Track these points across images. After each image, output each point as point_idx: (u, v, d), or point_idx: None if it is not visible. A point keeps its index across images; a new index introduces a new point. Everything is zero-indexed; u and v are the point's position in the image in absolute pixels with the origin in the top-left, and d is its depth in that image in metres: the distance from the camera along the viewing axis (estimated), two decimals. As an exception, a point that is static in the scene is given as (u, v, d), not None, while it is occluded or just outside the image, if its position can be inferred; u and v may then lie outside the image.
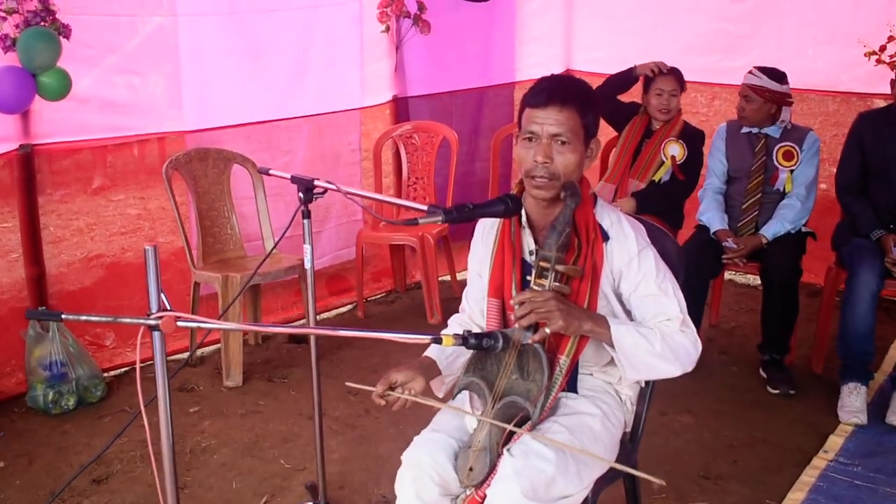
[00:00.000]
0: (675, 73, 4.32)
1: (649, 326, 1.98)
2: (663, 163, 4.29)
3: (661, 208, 4.22)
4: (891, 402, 3.61)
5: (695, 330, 2.00)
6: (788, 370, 3.97)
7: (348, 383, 2.00)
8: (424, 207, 1.97)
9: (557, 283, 1.92)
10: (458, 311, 2.32)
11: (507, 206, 1.98)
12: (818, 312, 4.13)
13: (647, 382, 2.23)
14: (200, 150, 4.15)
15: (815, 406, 3.74)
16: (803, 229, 4.04)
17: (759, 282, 4.07)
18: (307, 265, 2.53)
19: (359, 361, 4.20)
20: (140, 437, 3.33)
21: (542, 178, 1.95)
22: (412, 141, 5.03)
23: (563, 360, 1.98)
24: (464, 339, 1.85)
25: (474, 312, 2.23)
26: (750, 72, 4.07)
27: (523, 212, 2.06)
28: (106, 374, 3.95)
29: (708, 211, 4.12)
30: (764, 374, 4.00)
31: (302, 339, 4.40)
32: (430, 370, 2.07)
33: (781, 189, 4.03)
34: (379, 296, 5.17)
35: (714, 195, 4.17)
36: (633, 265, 2.00)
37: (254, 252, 4.32)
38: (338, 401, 3.74)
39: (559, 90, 1.95)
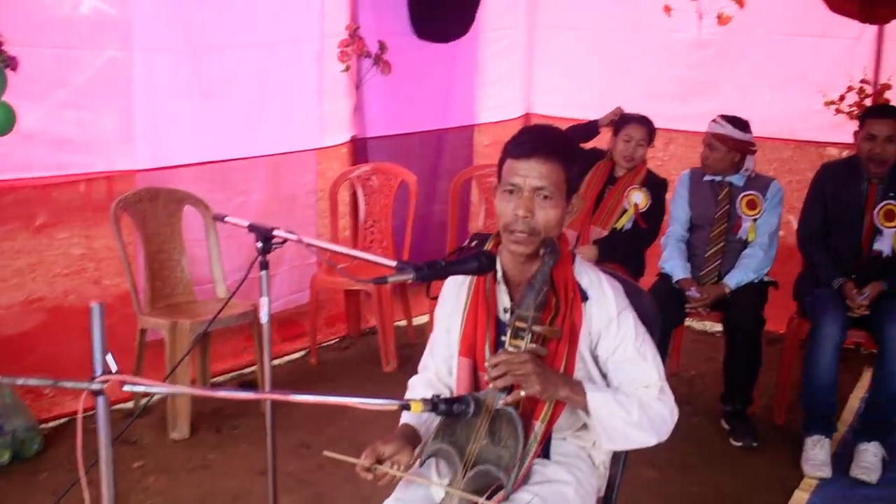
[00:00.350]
0: (646, 124, 4.32)
1: (626, 393, 1.94)
2: (626, 210, 4.28)
3: (622, 256, 4.20)
4: (854, 455, 3.59)
5: (672, 397, 1.97)
6: (752, 421, 3.94)
7: (327, 453, 1.89)
8: (393, 263, 1.92)
9: (534, 345, 1.86)
10: (418, 364, 2.24)
11: (481, 264, 1.91)
12: (779, 362, 4.11)
13: (621, 447, 2.15)
14: (151, 190, 4.01)
15: (778, 459, 3.70)
16: (765, 278, 4.04)
17: (718, 328, 4.06)
18: (263, 320, 2.42)
19: (312, 412, 4.05)
20: (79, 495, 3.12)
21: (521, 232, 1.90)
22: (370, 183, 4.97)
23: (538, 426, 1.91)
24: (433, 406, 1.78)
25: (441, 371, 2.14)
26: (714, 120, 4.07)
27: (498, 267, 2.00)
28: (44, 426, 3.75)
29: (671, 259, 4.11)
30: (727, 426, 3.96)
31: (252, 384, 4.23)
32: (413, 439, 1.98)
33: (744, 238, 4.03)
34: (332, 341, 5.08)
35: (677, 243, 4.15)
36: (612, 327, 1.95)
37: (203, 296, 4.17)
38: (290, 455, 3.59)
39: (543, 142, 1.90)
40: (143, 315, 3.86)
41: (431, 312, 4.72)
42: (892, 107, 3.91)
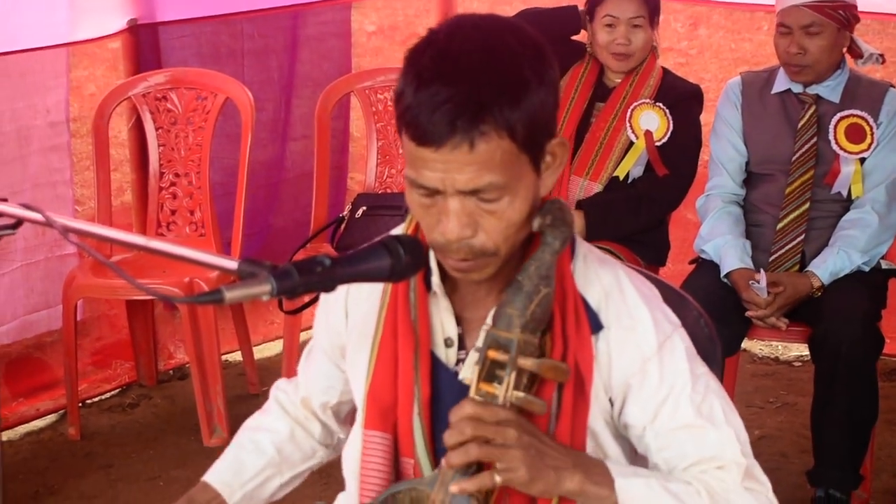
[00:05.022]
0: None
1: (685, 480, 1.99)
2: (632, 144, 4.30)
3: (628, 228, 4.26)
4: None
5: (769, 486, 2.02)
6: (859, 516, 4.03)
7: None
8: (230, 263, 1.82)
9: (522, 394, 1.89)
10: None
11: (399, 262, 1.87)
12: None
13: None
14: None
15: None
16: (883, 264, 4.09)
17: (800, 353, 4.06)
18: None
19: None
20: None
21: (463, 260, 1.95)
22: (167, 105, 4.96)
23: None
24: None
25: (313, 396, 2.34)
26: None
27: (433, 266, 2.04)
28: None
29: (716, 234, 4.15)
30: (818, 524, 4.03)
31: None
32: None
33: (845, 193, 4.08)
34: (108, 395, 5.09)
35: (725, 206, 4.21)
36: (649, 373, 2.01)
37: None
38: None
39: (466, 103, 1.85)
40: None
41: (289, 334, 4.76)
42: None
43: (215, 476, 2.26)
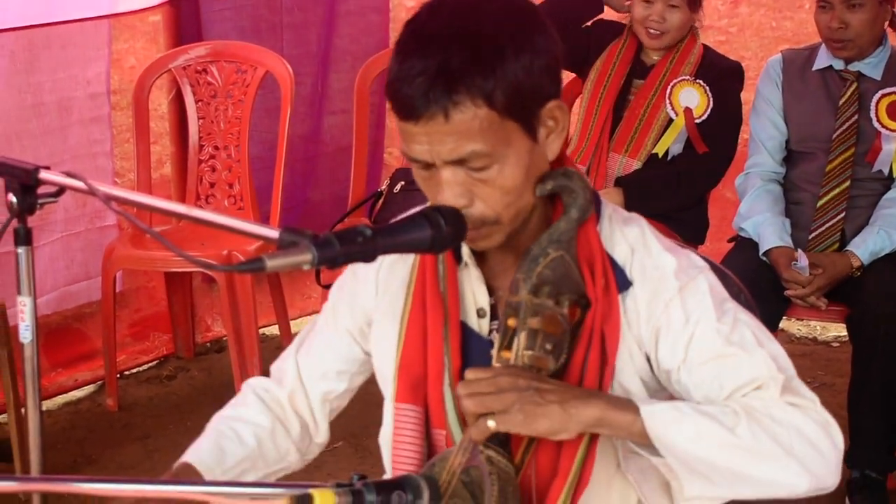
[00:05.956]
0: None
1: (721, 403, 1.98)
2: (671, 121, 4.30)
3: (667, 206, 4.25)
4: None
5: (816, 398, 1.98)
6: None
7: None
8: (272, 232, 1.84)
9: (530, 351, 1.92)
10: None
11: (439, 233, 1.87)
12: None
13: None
14: None
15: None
16: None
17: (839, 333, 4.16)
18: (25, 339, 2.41)
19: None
20: None
21: (469, 230, 1.97)
22: (207, 78, 4.98)
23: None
24: (354, 496, 1.77)
25: (308, 390, 2.30)
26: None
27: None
28: None
29: (755, 212, 4.14)
30: (852, 505, 4.02)
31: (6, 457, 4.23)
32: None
33: (886, 171, 4.07)
34: (146, 367, 5.15)
35: (765, 185, 4.19)
36: (672, 314, 2.01)
37: None
38: None
39: (437, 74, 1.89)
40: None
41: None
42: None
43: (196, 457, 2.19)
